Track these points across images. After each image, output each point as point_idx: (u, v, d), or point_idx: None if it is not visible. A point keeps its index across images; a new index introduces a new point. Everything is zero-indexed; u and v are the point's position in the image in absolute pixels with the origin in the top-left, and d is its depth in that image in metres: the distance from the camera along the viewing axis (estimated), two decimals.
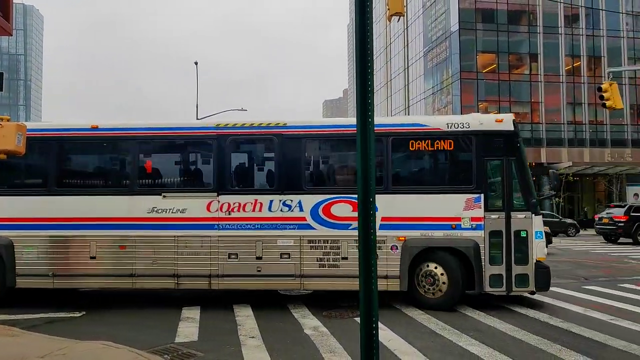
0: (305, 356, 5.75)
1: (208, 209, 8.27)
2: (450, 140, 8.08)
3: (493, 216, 7.95)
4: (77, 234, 8.28)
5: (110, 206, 8.35)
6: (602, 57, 41.15)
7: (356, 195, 7.86)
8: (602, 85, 14.52)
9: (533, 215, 7.97)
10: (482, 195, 7.94)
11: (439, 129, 8.09)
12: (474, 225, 7.95)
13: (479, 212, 7.93)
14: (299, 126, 8.40)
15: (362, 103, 2.98)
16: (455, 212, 7.98)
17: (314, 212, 8.17)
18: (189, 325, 7.14)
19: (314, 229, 8.18)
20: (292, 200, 8.19)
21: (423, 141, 8.11)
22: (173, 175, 8.79)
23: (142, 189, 8.48)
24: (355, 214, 7.86)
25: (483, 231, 7.94)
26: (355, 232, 7.89)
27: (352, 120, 8.78)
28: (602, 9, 39.94)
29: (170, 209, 8.29)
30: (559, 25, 40.49)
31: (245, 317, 7.67)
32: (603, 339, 6.39)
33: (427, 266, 8.09)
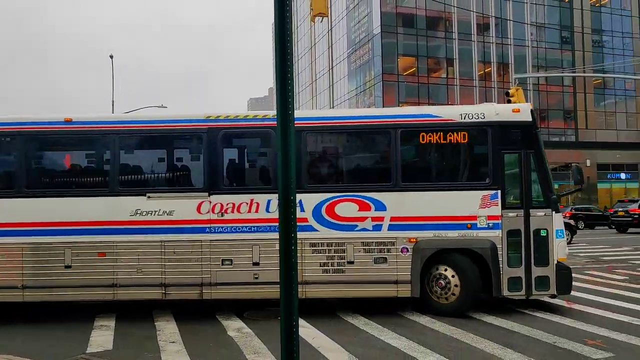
0: (229, 358, 5.62)
1: (198, 211, 7.46)
2: (464, 132, 7.44)
3: (511, 214, 7.36)
4: (50, 241, 7.37)
5: (87, 209, 7.46)
6: (510, 64, 44.14)
7: (364, 194, 7.11)
8: (509, 90, 14.66)
9: (553, 212, 7.40)
10: (499, 191, 7.34)
11: (452, 120, 7.45)
12: (490, 225, 7.34)
13: (496, 210, 7.33)
14: (299, 118, 7.63)
15: (282, 96, 2.88)
16: (471, 211, 7.36)
17: (316, 212, 7.44)
18: (103, 334, 6.61)
19: (316, 230, 7.46)
20: None
21: (435, 133, 7.46)
22: (159, 173, 7.95)
23: (124, 189, 7.61)
24: (363, 214, 7.19)
25: (500, 231, 7.34)
26: (362, 235, 7.28)
27: (356, 111, 8.13)
28: (509, 20, 42.51)
29: (155, 211, 7.45)
30: (472, 33, 42.91)
31: (165, 321, 7.23)
32: None
33: (437, 269, 7.46)
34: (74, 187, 7.83)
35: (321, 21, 18.69)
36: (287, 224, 2.96)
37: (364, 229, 7.42)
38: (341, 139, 7.86)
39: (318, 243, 7.44)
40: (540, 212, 7.38)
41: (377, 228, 7.42)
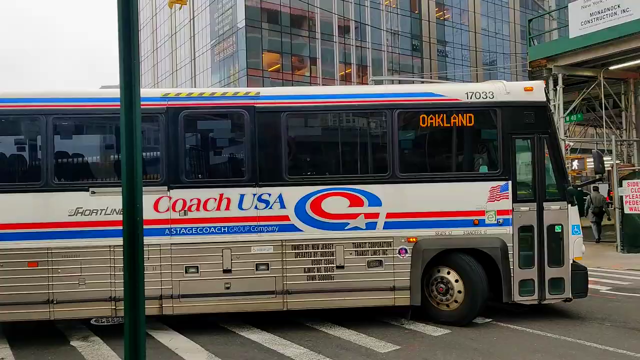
0: None
1: (156, 208, 6.15)
2: (471, 114, 6.44)
3: (523, 208, 6.45)
4: None
5: (13, 208, 6.00)
6: (368, 67, 45.96)
7: (356, 186, 5.93)
8: None
9: (569, 205, 6.54)
10: (510, 182, 6.41)
11: (457, 99, 6.43)
12: (500, 221, 6.41)
13: (507, 204, 6.40)
14: (278, 96, 6.44)
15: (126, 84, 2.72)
16: (478, 205, 6.40)
17: (299, 209, 6.28)
18: None
19: (299, 230, 6.30)
20: (270, 194, 6.24)
21: (437, 115, 6.41)
22: (106, 163, 6.55)
23: (61, 183, 6.19)
24: (354, 210, 6.04)
25: (511, 227, 6.42)
26: (354, 234, 6.18)
27: (346, 89, 6.97)
28: (368, 24, 44.27)
29: (102, 210, 6.09)
30: (334, 34, 43.99)
31: None
32: None
33: (438, 271, 6.49)
34: None
35: (180, 8, 17.06)
36: (131, 222, 2.79)
37: (356, 228, 6.32)
38: (329, 121, 6.69)
39: (302, 245, 6.30)
40: (555, 206, 6.51)
41: (371, 226, 6.34)
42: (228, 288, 6.26)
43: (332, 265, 6.33)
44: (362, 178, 6.42)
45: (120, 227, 5.86)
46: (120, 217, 5.76)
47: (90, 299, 6.07)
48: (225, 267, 6.23)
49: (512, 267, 6.40)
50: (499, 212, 6.41)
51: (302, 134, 6.88)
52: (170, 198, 6.18)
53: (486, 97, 6.42)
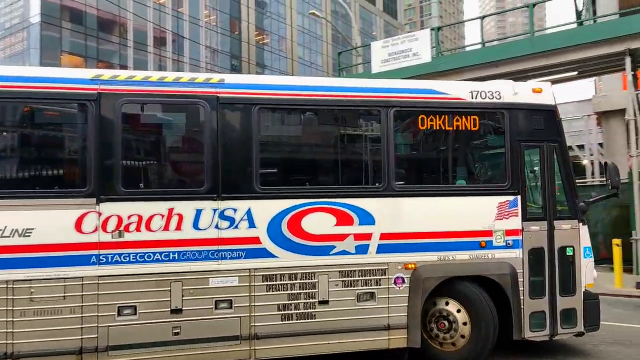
0: None
1: (79, 229, 4.56)
2: (476, 117, 5.52)
3: (533, 228, 5.57)
4: None
5: None
6: None
7: (343, 200, 4.66)
8: None
9: (580, 224, 5.76)
10: (519, 197, 5.51)
11: (461, 99, 5.48)
12: (509, 242, 5.48)
13: (516, 222, 5.49)
14: (249, 85, 5.12)
15: None
16: (484, 224, 5.43)
17: (273, 228, 4.96)
18: None
19: (274, 256, 4.96)
20: (236, 210, 4.86)
21: (439, 116, 5.41)
22: (6, 166, 4.84)
23: None
24: (342, 230, 4.79)
25: (521, 249, 5.51)
26: (341, 260, 4.95)
27: (333, 81, 5.81)
28: (186, 38, 43.44)
29: None
30: (149, 44, 42.36)
31: None
32: None
33: (435, 304, 5.43)
34: None
35: None
36: None
37: (344, 252, 5.10)
38: (312, 119, 5.43)
39: (276, 275, 4.95)
40: (566, 225, 5.70)
41: (363, 250, 5.15)
42: (177, 334, 4.74)
43: (313, 300, 5.03)
44: (352, 190, 5.24)
45: (22, 255, 4.20)
46: (24, 241, 4.08)
47: None
48: (174, 306, 4.72)
49: (522, 298, 5.47)
50: (508, 232, 5.48)
51: (279, 134, 5.59)
52: (99, 214, 4.61)
53: (492, 98, 5.53)
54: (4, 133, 4.81)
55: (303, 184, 5.31)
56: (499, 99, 5.54)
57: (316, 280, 5.04)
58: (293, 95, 5.12)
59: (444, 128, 5.45)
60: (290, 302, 4.98)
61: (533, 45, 13.40)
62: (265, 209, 4.95)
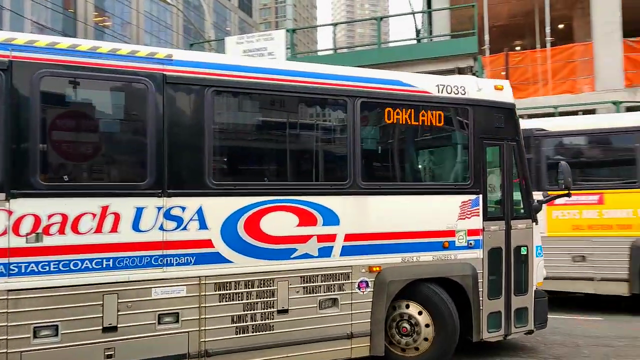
0: None
1: None
2: (441, 112, 5.31)
3: (493, 227, 5.50)
4: None
5: None
6: None
7: (306, 198, 4.33)
8: None
9: (534, 224, 5.82)
10: (481, 196, 5.40)
11: (427, 92, 5.22)
12: (471, 242, 5.35)
13: (478, 222, 5.38)
14: (202, 63, 4.41)
15: None
16: (448, 223, 5.25)
17: (227, 229, 4.35)
18: None
19: (228, 261, 4.36)
20: (184, 209, 4.18)
21: (405, 110, 5.11)
22: None
23: None
24: (305, 231, 4.38)
25: (481, 250, 5.41)
26: (303, 264, 4.50)
27: (296, 65, 5.24)
28: (7, 9, 37.08)
29: None
30: None
31: None
32: None
33: (394, 308, 5.18)
34: None
35: None
36: None
37: (306, 255, 4.64)
38: (273, 107, 4.83)
39: (230, 283, 4.36)
40: (522, 224, 5.71)
41: (326, 252, 4.72)
42: (110, 357, 3.98)
43: (272, 309, 4.52)
44: (317, 187, 4.78)
45: None
46: None
47: None
48: (108, 323, 3.96)
49: (481, 299, 5.39)
50: (470, 232, 5.35)
51: (235, 122, 4.93)
52: (10, 213, 3.70)
53: (457, 93, 5.34)
54: None
55: (262, 179, 4.75)
56: (464, 94, 5.37)
57: (275, 287, 4.53)
58: (253, 78, 4.51)
59: (409, 123, 5.17)
60: (245, 312, 4.42)
61: (381, 55, 14.69)
62: (219, 208, 4.33)
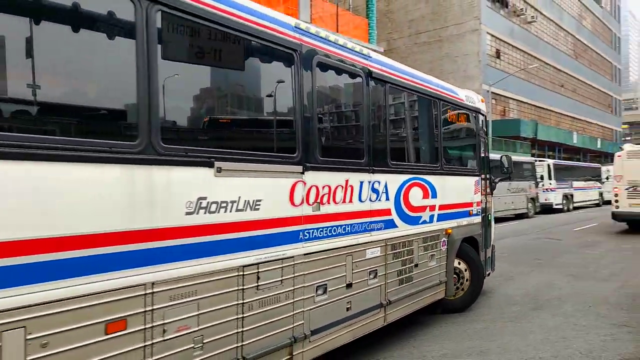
0: None
1: (292, 200, 4.24)
2: (467, 114, 7.72)
3: (483, 200, 8.22)
4: None
5: None
6: None
7: (425, 176, 6.49)
8: None
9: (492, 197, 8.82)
10: (481, 177, 8.06)
11: (460, 99, 7.54)
12: (478, 210, 7.94)
13: (479, 196, 8.01)
14: (385, 63, 5.62)
15: None
16: (470, 197, 7.70)
17: (396, 200, 5.74)
18: None
19: (396, 226, 5.77)
20: (379, 183, 5.42)
21: (457, 112, 7.34)
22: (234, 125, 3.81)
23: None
24: (425, 202, 6.39)
25: (480, 216, 8.07)
26: (425, 229, 6.25)
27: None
28: None
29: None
30: None
31: None
32: None
33: None
34: None
35: None
36: None
37: (424, 222, 6.37)
38: (437, 109, 6.28)
39: (398, 244, 5.78)
40: (490, 197, 8.62)
41: (431, 219, 6.53)
42: (348, 309, 4.94)
43: (412, 264, 6.07)
44: (426, 168, 6.47)
45: (258, 232, 3.94)
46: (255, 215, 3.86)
47: None
48: (348, 281, 4.91)
49: (482, 251, 8.03)
50: (478, 203, 7.92)
51: (398, 116, 6.14)
52: (304, 184, 4.36)
53: (472, 102, 7.82)
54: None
55: (408, 161, 6.19)
56: (473, 103, 7.89)
57: (413, 247, 6.09)
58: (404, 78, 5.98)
59: (458, 121, 7.39)
60: (402, 267, 5.87)
61: None
62: (393, 183, 5.67)
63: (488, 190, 8.40)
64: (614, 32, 65.01)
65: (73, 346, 2.68)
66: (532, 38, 44.08)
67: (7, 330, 2.43)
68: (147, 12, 3.09)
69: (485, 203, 8.29)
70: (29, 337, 2.51)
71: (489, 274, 8.69)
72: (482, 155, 8.03)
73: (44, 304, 2.56)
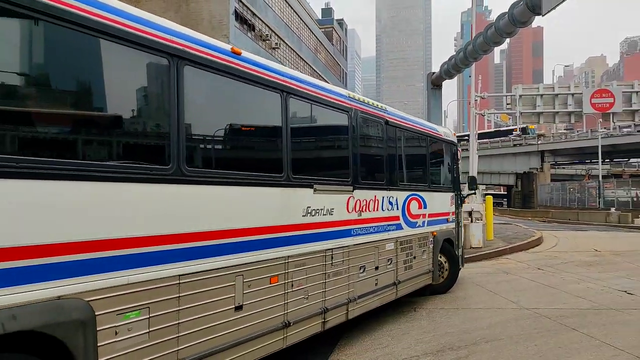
0: None
1: (347, 208, 6.66)
2: (444, 146, 10.37)
3: (455, 211, 10.89)
4: None
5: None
6: None
7: (419, 192, 9.12)
8: None
9: (461, 209, 11.52)
10: (454, 193, 10.73)
11: (440, 135, 10.19)
12: (453, 219, 10.59)
13: (453, 208, 10.67)
14: (393, 113, 8.16)
15: None
16: (448, 208, 10.34)
17: (402, 209, 8.24)
18: None
19: (402, 229, 8.26)
20: (393, 197, 7.92)
21: (438, 145, 9.98)
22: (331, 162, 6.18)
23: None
24: (419, 211, 9.06)
25: (454, 223, 10.71)
26: (419, 231, 8.81)
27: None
28: None
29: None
30: None
31: None
32: None
33: None
34: None
35: None
36: None
37: (419, 226, 8.90)
38: (413, 142, 8.86)
39: (404, 241, 8.27)
40: (460, 208, 11.31)
41: (423, 224, 9.07)
42: (376, 284, 7.36)
43: (412, 257, 8.57)
44: (419, 186, 9.04)
45: (333, 229, 6.34)
46: (331, 218, 6.33)
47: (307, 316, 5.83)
48: (375, 266, 7.35)
49: (457, 249, 10.67)
50: (452, 213, 10.58)
51: (407, 152, 8.66)
52: (353, 198, 6.78)
53: (449, 136, 10.51)
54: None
55: (407, 181, 8.70)
56: (449, 137, 10.58)
57: (412, 244, 8.61)
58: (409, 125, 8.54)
59: (437, 151, 10.03)
60: (407, 258, 8.36)
61: None
62: (401, 196, 8.18)
63: (459, 202, 11.07)
64: (342, 68, 72.38)
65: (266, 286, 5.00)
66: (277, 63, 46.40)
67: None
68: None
69: (458, 214, 10.95)
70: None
71: (459, 270, 11.34)
72: (455, 176, 10.69)
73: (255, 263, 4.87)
